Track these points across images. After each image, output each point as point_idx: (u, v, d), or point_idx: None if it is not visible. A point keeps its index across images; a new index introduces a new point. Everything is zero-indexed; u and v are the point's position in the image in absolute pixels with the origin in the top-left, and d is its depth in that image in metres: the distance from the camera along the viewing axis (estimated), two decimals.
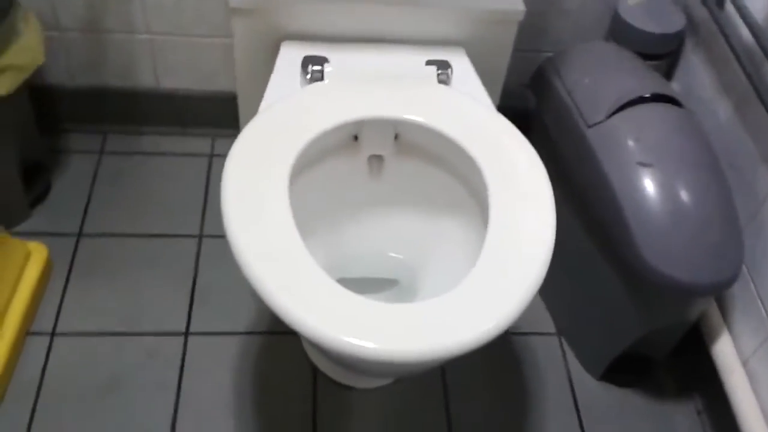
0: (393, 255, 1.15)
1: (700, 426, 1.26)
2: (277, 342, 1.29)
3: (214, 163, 1.56)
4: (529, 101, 1.37)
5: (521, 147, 1.00)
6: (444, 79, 1.07)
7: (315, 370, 1.26)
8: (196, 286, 1.35)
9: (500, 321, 0.81)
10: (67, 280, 1.34)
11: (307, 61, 1.06)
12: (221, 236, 1.36)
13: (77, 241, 1.40)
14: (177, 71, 1.49)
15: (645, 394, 1.29)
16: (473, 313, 0.81)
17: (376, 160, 1.12)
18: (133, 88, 1.51)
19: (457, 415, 1.23)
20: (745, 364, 1.16)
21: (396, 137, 1.09)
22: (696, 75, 1.33)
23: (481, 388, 1.27)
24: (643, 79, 1.18)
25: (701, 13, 1.30)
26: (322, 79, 1.05)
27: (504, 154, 0.99)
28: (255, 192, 0.91)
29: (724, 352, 1.17)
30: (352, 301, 0.82)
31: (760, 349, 1.12)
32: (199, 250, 1.41)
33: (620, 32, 1.33)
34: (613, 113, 1.13)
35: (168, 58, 1.46)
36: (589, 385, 1.29)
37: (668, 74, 1.40)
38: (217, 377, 1.24)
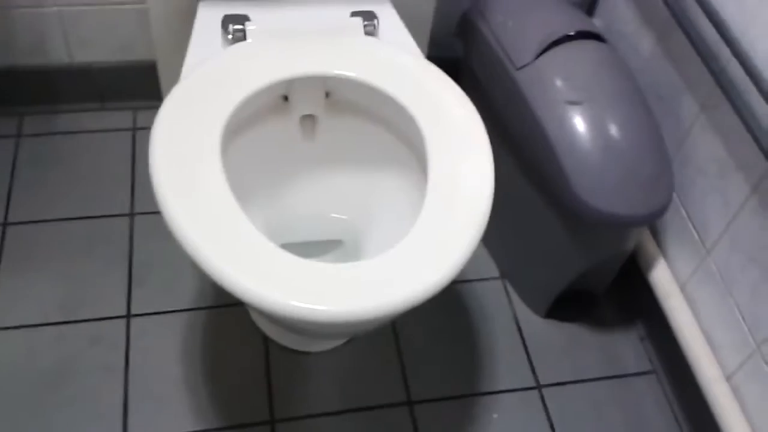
0: (335, 216, 1.14)
1: (644, 351, 1.30)
2: (223, 315, 1.27)
3: (138, 138, 1.51)
4: (458, 50, 1.36)
5: (453, 94, 0.99)
6: (371, 31, 1.05)
7: (266, 339, 1.25)
8: (133, 267, 1.32)
9: (445, 272, 0.82)
10: None
11: (227, 20, 1.02)
12: (154, 212, 1.31)
13: (3, 231, 1.34)
14: (90, 43, 1.42)
15: (589, 327, 1.33)
16: (418, 267, 0.81)
17: (309, 120, 1.09)
18: (45, 65, 1.44)
19: (412, 367, 1.24)
20: (682, 288, 1.20)
21: (327, 95, 1.06)
22: (617, 10, 1.34)
23: (433, 339, 1.28)
24: (566, 18, 1.19)
25: None
26: (244, 38, 1.02)
27: (437, 102, 0.98)
28: (186, 160, 0.88)
29: (662, 278, 1.21)
30: (295, 265, 0.80)
31: (696, 273, 1.16)
32: (132, 228, 1.37)
33: None
34: (540, 54, 1.14)
35: (80, 30, 1.39)
36: (535, 324, 1.32)
37: (590, 11, 1.41)
38: (165, 356, 1.21)
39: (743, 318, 1.06)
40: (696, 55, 1.07)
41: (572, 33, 1.15)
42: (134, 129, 1.52)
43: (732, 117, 1.03)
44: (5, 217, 1.35)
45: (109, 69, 1.47)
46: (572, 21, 1.17)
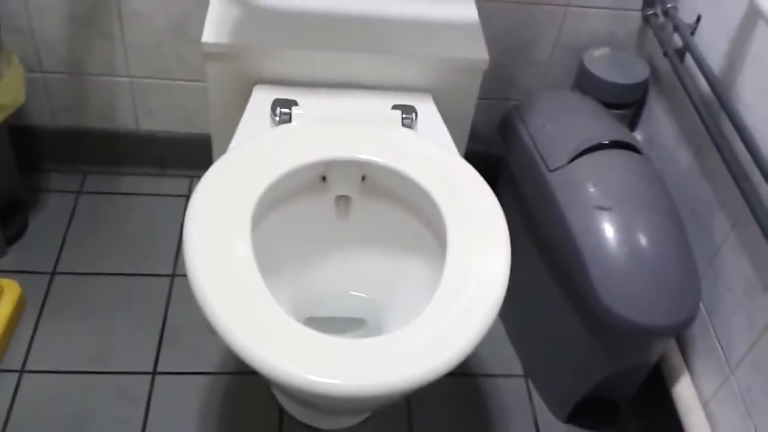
0: (359, 294, 1.17)
1: None
2: (244, 383, 1.30)
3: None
4: (499, 148, 1.41)
5: (480, 190, 1.03)
6: (408, 123, 1.10)
7: (281, 412, 1.26)
8: (166, 326, 1.36)
9: (458, 351, 0.83)
10: (39, 317, 1.35)
11: (277, 103, 1.10)
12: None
13: (51, 279, 1.41)
14: (156, 113, 1.52)
15: None
16: (431, 345, 0.83)
17: (344, 201, 1.14)
18: (113, 130, 1.55)
19: None
20: (705, 405, 1.17)
21: (363, 179, 1.11)
22: (658, 124, 1.37)
23: (448, 429, 1.27)
24: (603, 126, 1.22)
25: (664, 64, 1.34)
26: (290, 121, 1.08)
27: (463, 196, 1.01)
28: (218, 229, 0.93)
29: (684, 393, 1.19)
30: (308, 338, 0.83)
31: (720, 391, 1.14)
32: (170, 289, 1.43)
33: (586, 82, 1.38)
34: (574, 158, 1.17)
35: (148, 101, 1.50)
36: (555, 428, 1.30)
37: (633, 123, 1.45)
38: (183, 416, 1.24)
39: None
40: (727, 173, 1.08)
41: (606, 141, 1.18)
42: (188, 196, 1.60)
43: (760, 237, 1.03)
44: (55, 267, 1.43)
45: (171, 138, 1.56)
46: (609, 130, 1.21)
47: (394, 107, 1.12)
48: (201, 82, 1.46)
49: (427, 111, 1.15)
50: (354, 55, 1.16)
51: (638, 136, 1.44)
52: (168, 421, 1.23)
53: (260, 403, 1.27)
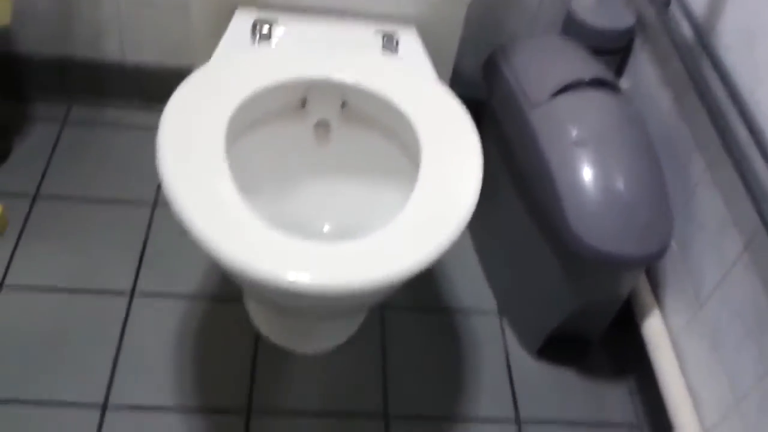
0: (335, 217, 1.18)
1: (632, 406, 1.29)
2: (222, 308, 1.31)
3: None
4: (484, 93, 1.42)
5: (455, 109, 1.04)
6: (389, 49, 1.11)
7: (258, 337, 1.28)
8: (146, 251, 1.38)
9: (424, 256, 0.86)
10: (19, 237, 1.36)
11: (257, 23, 1.10)
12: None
13: (32, 202, 1.42)
14: (143, 45, 1.52)
15: (580, 373, 1.32)
16: (401, 247, 0.85)
17: (324, 127, 1.15)
18: (99, 60, 1.54)
19: (395, 382, 1.25)
20: (674, 341, 1.19)
21: (343, 105, 1.12)
22: (643, 71, 1.38)
23: (420, 359, 1.30)
24: (586, 65, 1.23)
25: (649, 11, 1.35)
26: (269, 40, 1.09)
27: (440, 120, 1.02)
28: (192, 142, 0.94)
29: (654, 328, 1.21)
30: (282, 240, 0.85)
31: (689, 324, 1.16)
32: (151, 217, 1.44)
33: (573, 28, 1.39)
34: (555, 95, 1.18)
35: (135, 31, 1.49)
36: (525, 361, 1.32)
37: (619, 70, 1.46)
38: (159, 335, 1.26)
39: (726, 373, 1.06)
40: (706, 116, 1.10)
41: (588, 79, 1.19)
42: None
43: (734, 175, 1.05)
44: (37, 191, 1.44)
45: (157, 71, 1.56)
46: (591, 69, 1.22)
47: (376, 33, 1.13)
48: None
49: (410, 40, 1.16)
50: None
51: (624, 83, 1.45)
52: (143, 342, 1.24)
53: (237, 327, 1.29)
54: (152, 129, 1.59)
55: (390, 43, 1.11)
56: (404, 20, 1.18)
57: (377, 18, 1.17)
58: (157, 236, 1.40)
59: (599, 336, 1.33)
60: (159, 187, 1.48)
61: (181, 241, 1.36)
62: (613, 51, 1.40)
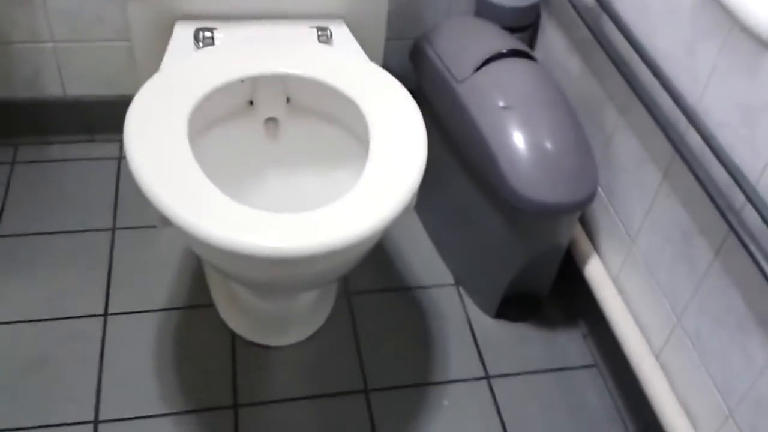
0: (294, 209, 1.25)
1: (586, 347, 1.39)
2: (194, 315, 1.37)
3: (123, 165, 1.64)
4: (414, 82, 1.52)
5: (394, 87, 1.13)
6: (324, 40, 1.20)
7: (233, 336, 1.34)
8: (112, 273, 1.42)
9: (391, 209, 0.94)
10: None
11: (199, 30, 1.18)
12: (134, 227, 1.44)
13: None
14: (82, 78, 1.57)
15: (535, 326, 1.42)
16: (360, 211, 0.93)
17: (273, 123, 1.23)
18: (40, 98, 1.59)
19: (369, 360, 1.33)
20: (615, 279, 1.30)
21: (288, 101, 1.20)
22: (551, 41, 1.50)
23: (390, 336, 1.37)
24: (501, 40, 1.34)
25: None
26: (213, 44, 1.17)
27: (381, 97, 1.11)
28: (156, 141, 1.01)
29: (595, 272, 1.32)
30: (251, 213, 0.92)
31: (626, 262, 1.27)
32: (113, 241, 1.48)
33: (485, 9, 1.50)
34: (478, 69, 1.29)
35: (73, 66, 1.55)
36: (485, 323, 1.41)
37: (530, 45, 1.58)
38: (138, 349, 1.30)
39: (665, 295, 1.17)
40: (611, 67, 1.22)
41: (505, 51, 1.30)
42: (120, 158, 1.65)
43: (644, 115, 1.17)
44: None
45: (99, 103, 1.61)
46: (506, 42, 1.33)
47: (310, 29, 1.21)
48: (124, 41, 1.52)
49: (342, 32, 1.25)
50: None
51: (536, 55, 1.57)
52: (124, 356, 1.29)
53: (211, 331, 1.34)
54: (99, 159, 1.66)
55: (325, 35, 1.20)
56: (334, 16, 1.27)
57: (308, 17, 1.26)
58: (120, 258, 1.45)
59: (547, 290, 1.43)
60: (116, 212, 1.53)
61: (145, 258, 1.44)
62: (523, 28, 1.52)
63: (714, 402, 1.06)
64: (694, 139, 1.06)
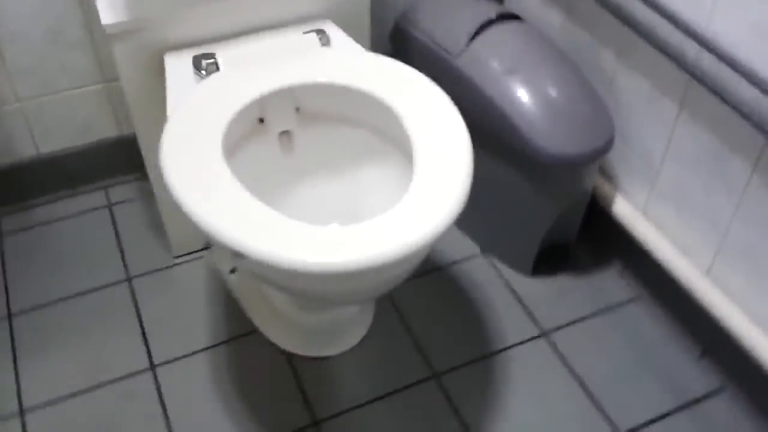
0: (330, 218, 1.24)
1: (625, 283, 1.44)
2: (242, 345, 1.34)
3: (115, 211, 1.57)
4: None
5: (416, 78, 1.12)
6: (326, 43, 1.18)
7: (289, 355, 1.32)
8: (144, 324, 1.37)
9: (438, 225, 0.92)
10: (15, 360, 1.32)
11: (198, 58, 1.13)
12: (150, 272, 1.38)
13: (10, 322, 1.37)
14: (54, 132, 1.50)
15: (572, 274, 1.46)
16: (416, 221, 0.92)
17: (286, 137, 1.20)
18: (16, 163, 1.51)
19: (428, 346, 1.33)
20: (644, 212, 1.34)
21: (297, 110, 1.18)
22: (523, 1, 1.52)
23: (439, 319, 1.38)
24: (484, 6, 1.35)
25: None
26: (217, 69, 1.13)
27: (404, 87, 1.10)
28: (194, 169, 0.97)
29: (624, 210, 1.36)
30: (301, 228, 0.90)
31: (652, 193, 1.31)
32: (132, 291, 1.43)
33: None
34: (471, 39, 1.29)
35: (43, 121, 1.47)
36: (525, 283, 1.44)
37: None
38: (199, 394, 1.27)
39: (702, 217, 1.21)
40: (604, 14, 1.24)
41: (494, 17, 1.31)
42: (109, 205, 1.59)
43: (646, 53, 1.20)
44: (8, 309, 1.39)
45: (75, 153, 1.54)
46: (491, 8, 1.34)
47: (306, 33, 1.19)
48: (91, 85, 1.46)
49: (334, 32, 1.23)
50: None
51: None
52: (187, 405, 1.25)
53: (265, 356, 1.32)
54: (88, 211, 1.59)
55: (325, 38, 1.17)
56: (321, 18, 1.25)
57: (297, 23, 1.23)
58: (146, 306, 1.40)
59: (575, 237, 1.47)
60: (125, 260, 1.47)
61: (173, 299, 1.39)
62: None
63: None
64: (709, 64, 1.09)
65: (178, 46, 1.19)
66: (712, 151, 1.15)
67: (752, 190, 1.10)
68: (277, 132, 1.19)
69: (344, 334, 1.34)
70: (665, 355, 1.32)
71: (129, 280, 1.45)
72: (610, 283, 1.44)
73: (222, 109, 1.05)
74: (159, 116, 1.24)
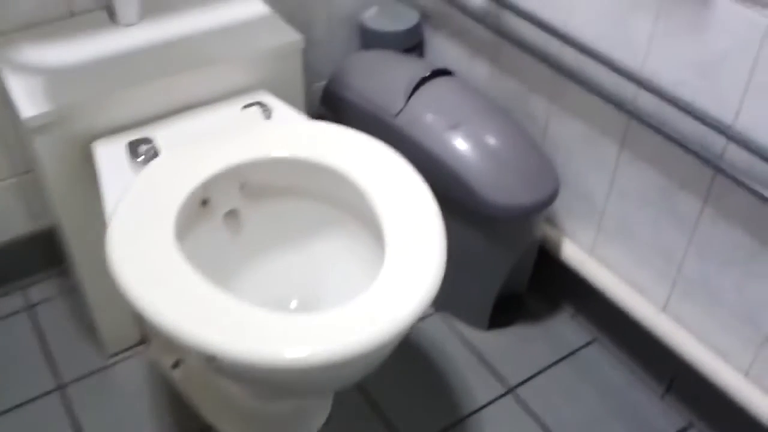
0: (287, 295, 1.17)
1: (577, 323, 1.44)
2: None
3: (38, 313, 1.44)
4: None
5: (369, 144, 1.09)
6: (268, 116, 1.13)
7: None
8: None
9: (417, 305, 0.88)
10: None
11: (134, 144, 1.06)
12: (84, 376, 1.29)
13: None
14: None
15: (527, 323, 1.44)
16: (390, 306, 0.87)
17: (232, 217, 1.14)
18: None
19: (396, 419, 1.27)
20: (590, 253, 1.35)
21: (242, 188, 1.12)
22: (443, 53, 1.52)
23: (404, 390, 1.32)
24: (417, 65, 1.34)
25: (428, 2, 1.50)
26: (156, 155, 1.06)
27: (358, 154, 1.06)
28: (149, 265, 0.90)
29: (571, 252, 1.36)
30: (272, 318, 0.84)
31: (599, 234, 1.32)
32: (66, 400, 1.30)
33: (371, 40, 1.50)
34: (409, 97, 1.28)
35: None
36: (483, 339, 1.41)
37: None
38: None
39: (655, 252, 1.22)
40: (529, 60, 1.26)
41: (428, 74, 1.30)
42: (28, 307, 1.45)
43: (580, 95, 1.22)
44: None
45: None
46: (422, 65, 1.33)
47: (245, 107, 1.14)
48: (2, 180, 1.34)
49: (275, 103, 1.18)
50: (179, 77, 1.15)
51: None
52: None
53: None
54: (6, 317, 1.44)
55: (268, 111, 1.13)
56: (256, 88, 1.20)
57: (232, 96, 1.18)
58: (85, 415, 1.27)
59: (525, 287, 1.46)
60: (55, 367, 1.34)
61: (112, 404, 1.28)
62: (412, 48, 1.53)
63: (743, 334, 1.13)
64: (648, 102, 1.12)
65: (107, 132, 1.11)
66: (659, 187, 1.17)
67: (705, 221, 1.12)
68: (222, 213, 1.12)
69: (307, 418, 1.26)
70: (630, 396, 1.32)
71: (62, 387, 1.32)
72: (565, 327, 1.44)
73: (169, 198, 0.98)
74: (86, 207, 1.16)
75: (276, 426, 1.24)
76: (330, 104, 1.40)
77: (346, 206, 1.08)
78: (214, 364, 0.85)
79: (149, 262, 0.90)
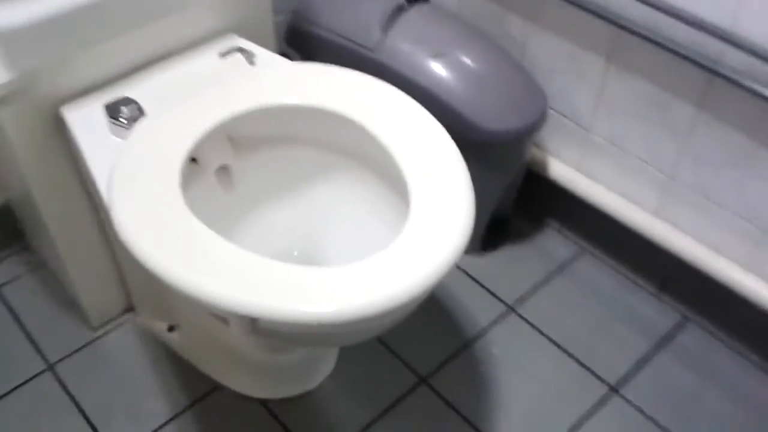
0: (296, 254, 1.13)
1: (562, 237, 1.46)
2: (208, 406, 1.20)
3: (6, 293, 1.35)
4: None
5: (373, 84, 1.03)
6: (251, 62, 1.06)
7: (264, 403, 1.20)
8: (86, 412, 1.19)
9: (456, 248, 0.85)
10: None
11: (115, 106, 0.97)
12: (72, 353, 1.27)
13: None
14: None
15: (517, 243, 1.46)
16: (426, 254, 0.84)
17: (224, 173, 1.07)
18: None
19: (405, 353, 1.28)
20: (580, 170, 1.35)
21: (231, 141, 1.05)
22: None
23: (408, 325, 1.30)
24: None
25: None
26: (141, 114, 0.97)
27: (361, 95, 1.01)
28: (166, 235, 0.84)
29: (558, 170, 1.36)
30: (288, 271, 0.81)
31: (587, 151, 1.32)
32: (60, 379, 1.24)
33: None
34: (385, 29, 1.22)
35: None
36: (478, 263, 1.41)
37: None
38: None
39: (646, 162, 1.24)
40: None
41: (403, 2, 1.24)
42: None
43: (561, 9, 1.19)
44: None
45: None
46: None
47: (224, 54, 1.06)
48: None
49: (251, 47, 1.10)
50: (146, 29, 1.05)
51: None
52: None
53: (237, 411, 1.20)
54: None
55: (251, 56, 1.05)
56: (224, 31, 1.12)
57: (201, 41, 1.10)
58: (80, 391, 1.21)
59: (511, 209, 1.46)
60: (38, 346, 1.27)
61: (108, 377, 1.22)
62: None
63: (742, 229, 1.16)
64: (639, 12, 1.10)
65: (77, 95, 1.01)
66: (649, 98, 1.17)
67: (701, 128, 1.13)
68: (213, 170, 1.06)
69: (318, 362, 1.24)
70: (626, 299, 1.36)
71: (52, 367, 1.25)
72: (553, 243, 1.45)
73: (168, 161, 0.91)
74: (58, 178, 1.08)
75: (288, 374, 1.22)
76: (296, 42, 1.33)
77: (343, 149, 1.04)
78: (252, 325, 0.82)
79: (170, 236, 0.84)
